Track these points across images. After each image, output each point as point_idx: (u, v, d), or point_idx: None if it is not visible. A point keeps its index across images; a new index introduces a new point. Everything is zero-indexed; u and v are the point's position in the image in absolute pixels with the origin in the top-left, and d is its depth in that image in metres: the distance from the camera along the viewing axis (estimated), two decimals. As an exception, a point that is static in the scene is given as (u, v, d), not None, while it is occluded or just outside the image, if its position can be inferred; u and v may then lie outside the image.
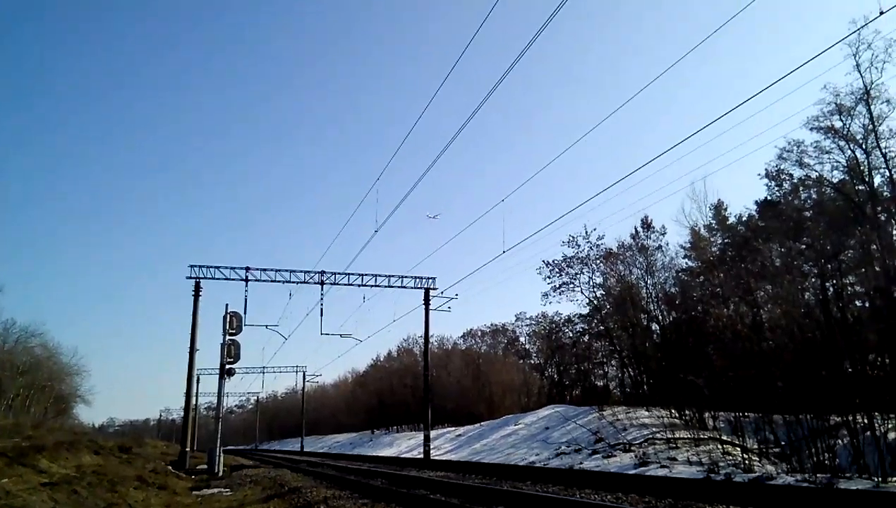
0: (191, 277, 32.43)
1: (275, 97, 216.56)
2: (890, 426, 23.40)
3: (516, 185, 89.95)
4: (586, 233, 41.71)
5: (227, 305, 29.34)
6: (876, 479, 17.48)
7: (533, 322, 69.53)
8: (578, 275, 43.31)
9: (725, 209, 42.24)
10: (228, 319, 28.60)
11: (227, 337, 28.55)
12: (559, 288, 43.70)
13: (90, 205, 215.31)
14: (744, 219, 39.78)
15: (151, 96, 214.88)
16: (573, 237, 41.94)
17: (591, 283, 43.65)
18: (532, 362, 73.62)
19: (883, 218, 31.09)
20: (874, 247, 30.40)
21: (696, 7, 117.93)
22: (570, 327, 55.88)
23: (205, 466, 29.44)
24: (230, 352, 28.72)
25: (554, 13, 11.92)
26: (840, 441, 23.38)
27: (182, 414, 39.19)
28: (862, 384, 26.35)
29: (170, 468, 28.07)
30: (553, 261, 43.64)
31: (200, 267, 32.59)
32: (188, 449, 33.06)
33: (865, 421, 23.79)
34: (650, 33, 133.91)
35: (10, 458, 13.25)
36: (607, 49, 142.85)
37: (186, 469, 29.36)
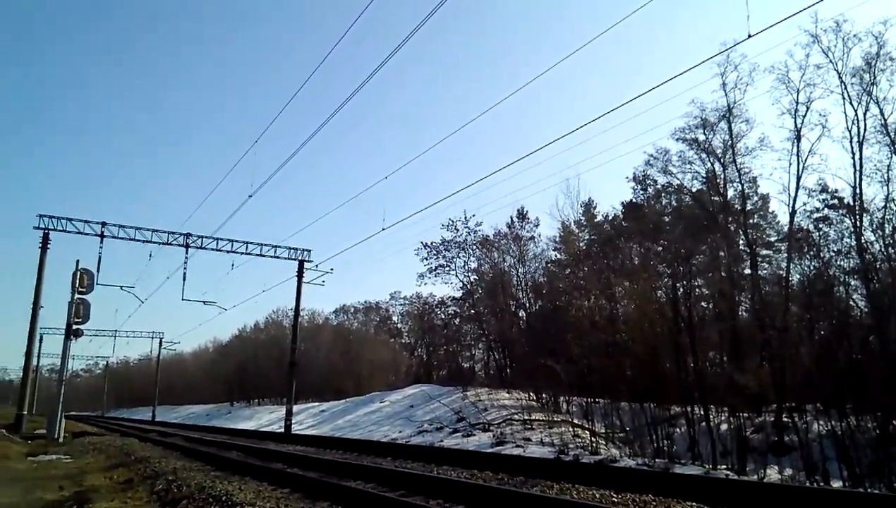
0: (39, 228, 29.69)
1: (148, 38, 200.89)
2: (722, 418, 25.87)
3: (401, 164, 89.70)
4: (465, 218, 42.68)
5: (77, 261, 27.34)
6: (707, 466, 19.27)
7: (407, 302, 70.08)
8: (455, 259, 44.37)
9: (595, 207, 44.46)
10: (79, 276, 26.77)
11: (77, 296, 26.73)
12: (435, 269, 44.52)
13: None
14: (610, 218, 42.05)
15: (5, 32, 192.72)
16: (453, 221, 42.83)
17: (466, 268, 44.79)
18: (403, 341, 74.29)
19: (732, 228, 33.92)
20: (722, 254, 33.20)
21: (596, 6, 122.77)
22: (443, 309, 56.96)
23: (43, 431, 27.67)
24: (78, 312, 26.94)
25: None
26: (678, 430, 25.52)
27: (21, 374, 36.11)
28: (701, 378, 28.87)
29: (3, 431, 26.47)
30: (431, 243, 44.27)
31: (51, 217, 29.88)
32: (25, 412, 30.80)
33: (702, 412, 26.14)
34: (536, 31, 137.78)
35: None
36: (497, 42, 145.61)
37: (23, 434, 27.53)
